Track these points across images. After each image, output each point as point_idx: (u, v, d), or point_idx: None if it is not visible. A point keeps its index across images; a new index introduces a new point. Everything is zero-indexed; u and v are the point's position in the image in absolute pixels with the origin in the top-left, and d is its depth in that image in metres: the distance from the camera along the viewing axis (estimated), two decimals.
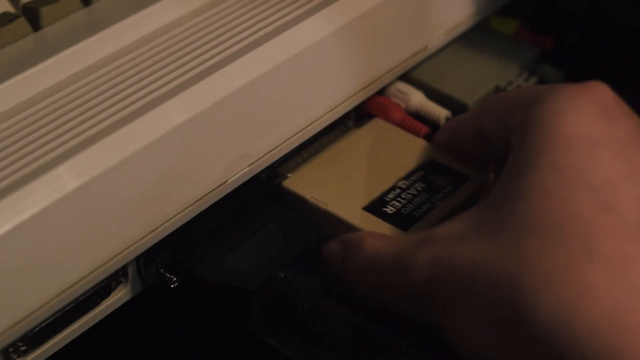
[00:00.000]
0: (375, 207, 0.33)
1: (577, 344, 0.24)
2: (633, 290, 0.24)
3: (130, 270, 0.31)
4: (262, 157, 0.33)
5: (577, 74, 0.36)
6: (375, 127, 0.37)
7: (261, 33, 0.33)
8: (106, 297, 0.31)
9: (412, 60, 0.38)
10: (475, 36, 0.41)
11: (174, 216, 0.31)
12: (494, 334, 0.26)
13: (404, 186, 0.34)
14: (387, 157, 0.35)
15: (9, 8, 0.35)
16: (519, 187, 0.27)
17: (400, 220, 0.32)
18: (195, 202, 0.31)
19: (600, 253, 0.25)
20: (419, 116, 0.38)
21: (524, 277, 0.25)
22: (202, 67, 0.32)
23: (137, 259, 0.31)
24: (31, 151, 0.28)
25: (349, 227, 0.32)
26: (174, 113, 0.30)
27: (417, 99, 0.38)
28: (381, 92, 0.39)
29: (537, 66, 0.41)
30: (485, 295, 0.26)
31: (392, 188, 0.34)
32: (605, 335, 0.24)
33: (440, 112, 0.38)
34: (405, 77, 0.39)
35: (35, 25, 0.34)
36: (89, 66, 0.32)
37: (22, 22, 0.34)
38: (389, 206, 0.33)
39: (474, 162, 0.35)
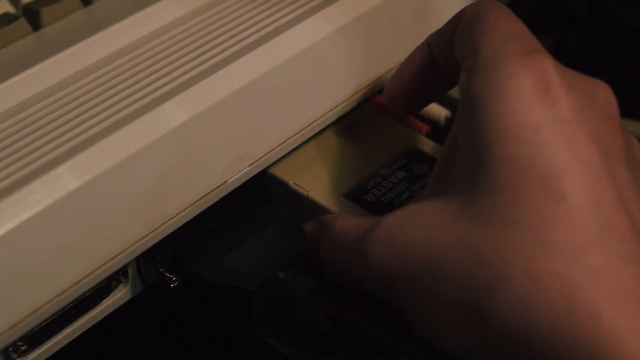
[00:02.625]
0: (355, 195, 0.33)
1: (536, 334, 0.24)
2: (584, 272, 0.24)
3: (130, 270, 0.31)
4: (262, 157, 0.33)
5: None
6: (366, 115, 0.37)
7: (261, 33, 0.33)
8: (106, 297, 0.31)
9: None
10: None
11: (174, 216, 0.31)
12: (456, 327, 0.26)
13: (385, 174, 0.34)
14: (373, 144, 0.35)
15: (9, 8, 0.35)
16: (472, 181, 0.27)
17: (380, 209, 0.33)
18: (195, 202, 0.31)
19: (553, 242, 0.25)
20: (419, 116, 0.38)
21: (481, 274, 0.25)
22: (202, 67, 0.32)
23: (137, 259, 0.31)
24: (31, 151, 0.28)
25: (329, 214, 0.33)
26: (174, 113, 0.30)
27: None
28: (381, 92, 0.39)
29: None
30: (444, 291, 0.26)
31: (374, 176, 0.34)
32: (560, 319, 0.24)
33: (440, 112, 0.38)
34: None
35: (36, 25, 0.34)
36: (89, 66, 0.32)
37: (22, 23, 0.34)
38: (369, 194, 0.33)
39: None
